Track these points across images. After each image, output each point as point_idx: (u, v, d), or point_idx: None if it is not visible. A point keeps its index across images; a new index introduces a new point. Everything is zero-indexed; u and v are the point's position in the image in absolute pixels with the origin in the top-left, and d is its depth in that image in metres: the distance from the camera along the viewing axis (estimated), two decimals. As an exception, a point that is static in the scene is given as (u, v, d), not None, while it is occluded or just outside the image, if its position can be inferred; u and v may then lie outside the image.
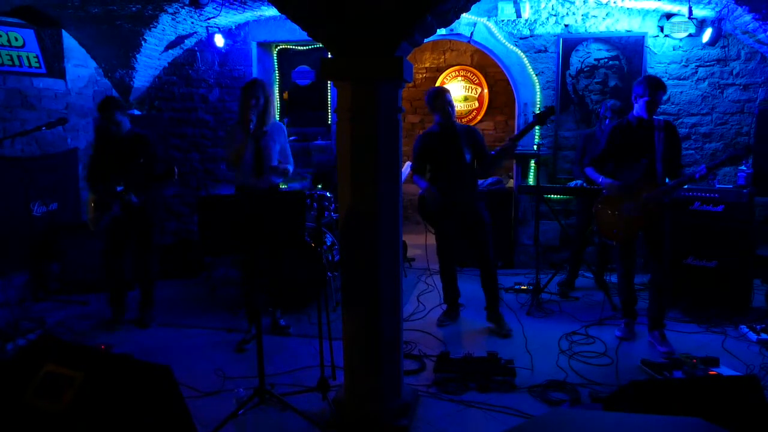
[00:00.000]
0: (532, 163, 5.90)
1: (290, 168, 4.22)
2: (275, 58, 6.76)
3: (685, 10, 5.20)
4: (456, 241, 4.47)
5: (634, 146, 3.89)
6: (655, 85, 3.77)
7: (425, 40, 3.03)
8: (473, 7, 3.16)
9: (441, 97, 4.22)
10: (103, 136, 4.42)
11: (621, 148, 3.96)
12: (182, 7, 5.34)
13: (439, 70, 8.60)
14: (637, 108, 3.87)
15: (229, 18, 5.99)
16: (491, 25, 5.90)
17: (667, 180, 3.88)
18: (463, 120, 8.47)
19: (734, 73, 5.55)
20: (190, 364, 3.78)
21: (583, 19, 5.74)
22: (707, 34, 5.37)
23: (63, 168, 5.51)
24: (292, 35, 6.16)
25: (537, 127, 5.96)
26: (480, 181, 4.29)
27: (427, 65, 8.68)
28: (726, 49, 5.51)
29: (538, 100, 5.96)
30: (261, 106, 3.99)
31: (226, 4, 5.46)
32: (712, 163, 3.69)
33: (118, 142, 4.33)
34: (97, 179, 4.35)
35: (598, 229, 4.17)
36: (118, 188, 4.19)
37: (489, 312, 4.41)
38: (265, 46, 6.61)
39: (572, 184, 4.87)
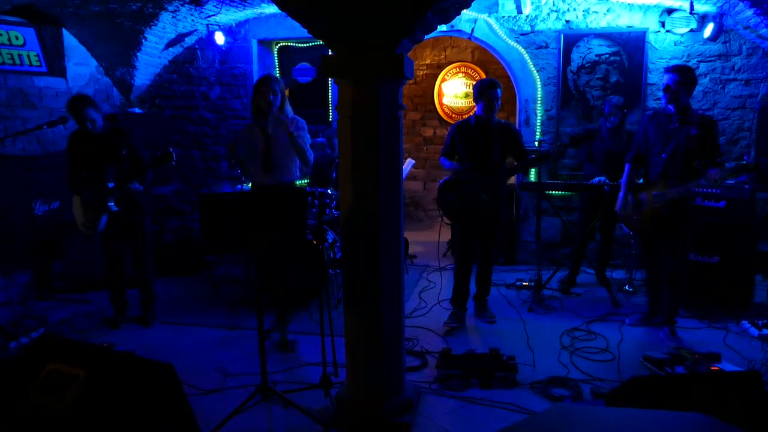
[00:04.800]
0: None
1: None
2: (276, 55, 6.75)
3: (686, 5, 5.19)
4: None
5: (659, 138, 3.87)
6: (672, 74, 3.73)
7: (426, 37, 3.03)
8: (474, 4, 3.16)
9: (492, 89, 4.11)
10: (79, 139, 4.27)
11: (648, 138, 3.96)
12: (182, 5, 5.33)
13: (440, 67, 8.59)
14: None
15: (230, 15, 5.99)
16: (492, 21, 5.89)
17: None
18: (464, 116, 8.46)
19: (736, 68, 5.53)
20: (192, 362, 3.79)
21: (584, 15, 5.73)
22: (708, 30, 5.36)
23: (64, 166, 5.50)
24: (293, 32, 6.15)
25: (538, 124, 5.99)
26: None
27: (428, 62, 8.67)
28: (727, 44, 5.50)
29: (539, 96, 5.95)
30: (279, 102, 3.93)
31: (227, 1, 5.45)
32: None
33: (96, 140, 4.21)
34: (80, 185, 4.26)
35: (623, 219, 4.25)
36: (110, 185, 4.14)
37: (478, 301, 4.51)
38: (265, 44, 6.60)
39: (595, 180, 4.85)
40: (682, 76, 3.68)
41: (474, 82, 8.36)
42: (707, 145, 3.72)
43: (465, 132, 4.26)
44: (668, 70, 3.76)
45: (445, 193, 4.35)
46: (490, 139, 4.19)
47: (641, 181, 4.16)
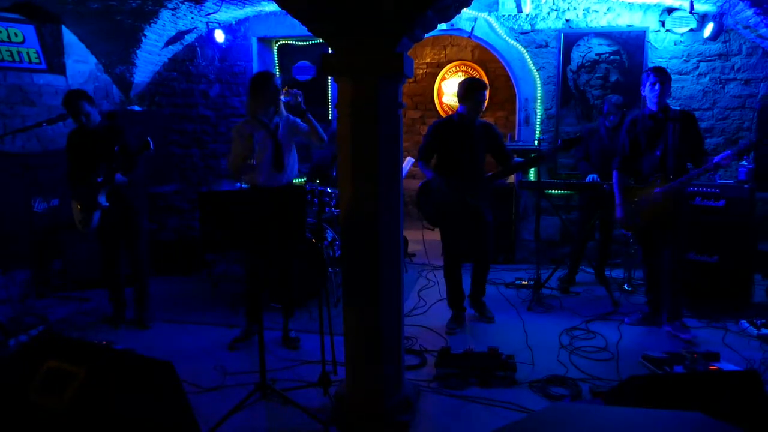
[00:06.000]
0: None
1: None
2: (275, 53, 6.74)
3: (686, 4, 5.19)
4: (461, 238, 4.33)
5: (649, 138, 3.92)
6: (650, 74, 3.85)
7: (426, 36, 3.03)
8: (474, 2, 3.16)
9: (480, 91, 4.05)
10: (76, 135, 4.29)
11: (638, 141, 4.00)
12: (182, 2, 5.33)
13: (440, 66, 8.59)
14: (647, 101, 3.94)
15: (230, 13, 5.98)
16: (492, 20, 5.88)
17: (689, 168, 3.90)
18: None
19: (735, 68, 5.53)
20: (192, 360, 3.79)
21: (584, 14, 5.73)
22: (708, 29, 5.36)
23: (64, 164, 5.49)
24: (293, 30, 6.14)
25: (538, 123, 5.99)
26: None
27: (428, 60, 8.67)
28: (727, 44, 5.50)
29: (539, 95, 5.95)
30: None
31: (227, -1, 5.45)
32: (738, 149, 3.71)
33: (91, 135, 4.23)
34: (79, 179, 4.27)
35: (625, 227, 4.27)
36: (99, 179, 4.14)
37: (474, 301, 4.48)
38: (265, 42, 6.59)
39: (588, 178, 4.86)
40: (665, 74, 3.84)
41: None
42: (693, 136, 3.86)
43: (446, 131, 4.15)
44: (651, 70, 3.89)
45: (425, 197, 4.21)
46: (472, 139, 4.12)
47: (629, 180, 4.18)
